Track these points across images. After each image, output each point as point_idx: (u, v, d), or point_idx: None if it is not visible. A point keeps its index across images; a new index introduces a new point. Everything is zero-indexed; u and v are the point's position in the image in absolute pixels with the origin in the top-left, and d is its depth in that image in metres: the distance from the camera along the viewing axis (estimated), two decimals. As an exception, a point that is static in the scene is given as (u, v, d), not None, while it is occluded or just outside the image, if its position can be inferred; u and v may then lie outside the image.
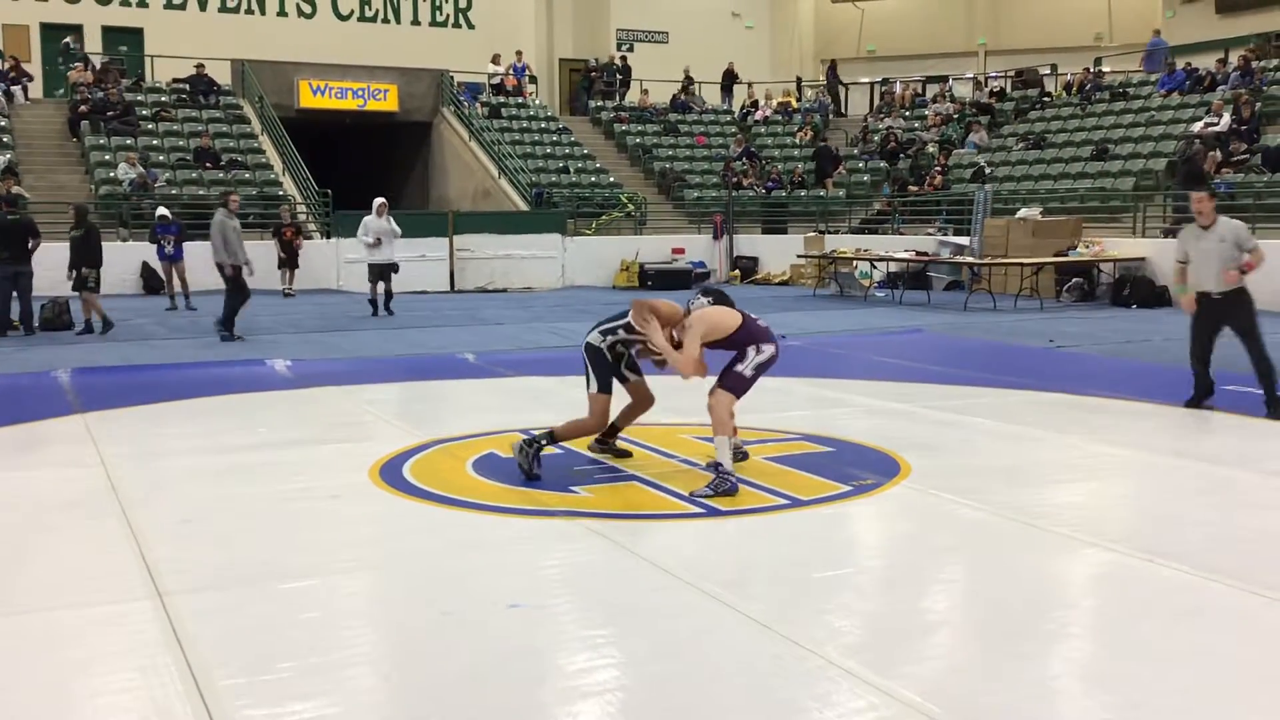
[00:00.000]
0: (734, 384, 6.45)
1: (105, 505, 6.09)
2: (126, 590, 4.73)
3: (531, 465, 6.57)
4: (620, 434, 7.19)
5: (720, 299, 6.78)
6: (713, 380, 6.58)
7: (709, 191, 26.65)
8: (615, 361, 6.87)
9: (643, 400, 7.07)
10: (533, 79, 31.21)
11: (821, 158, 27.18)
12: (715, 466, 6.39)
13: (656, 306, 6.65)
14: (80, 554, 5.31)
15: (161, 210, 18.26)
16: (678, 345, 6.53)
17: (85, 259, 14.37)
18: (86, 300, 14.21)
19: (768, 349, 6.49)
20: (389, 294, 16.78)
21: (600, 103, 30.63)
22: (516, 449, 6.69)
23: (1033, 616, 4.49)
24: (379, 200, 16.98)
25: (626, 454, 7.15)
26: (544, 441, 6.68)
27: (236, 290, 13.58)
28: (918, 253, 20.59)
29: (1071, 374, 10.93)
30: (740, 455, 6.81)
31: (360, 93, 27.47)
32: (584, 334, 6.97)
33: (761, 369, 6.49)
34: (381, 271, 16.68)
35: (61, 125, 24.06)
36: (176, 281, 17.53)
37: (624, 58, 32.63)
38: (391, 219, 16.94)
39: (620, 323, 6.72)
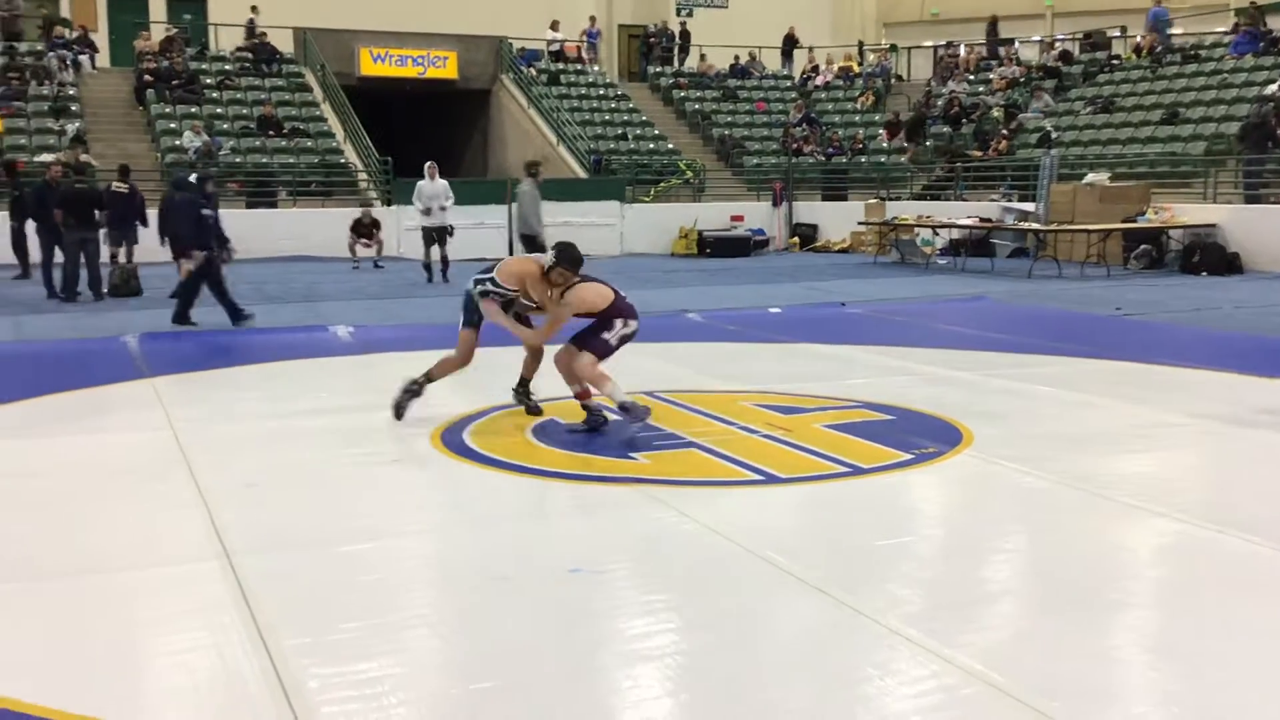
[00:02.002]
0: (598, 348, 6.92)
1: (174, 468, 6.21)
2: (195, 551, 4.82)
3: (403, 405, 7.14)
4: (529, 385, 7.52)
5: (571, 257, 6.90)
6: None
7: (768, 158, 26.43)
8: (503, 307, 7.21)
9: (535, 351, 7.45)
10: (592, 46, 31.10)
11: (912, 125, 26.50)
12: (621, 408, 6.80)
13: (523, 280, 6.99)
14: (150, 515, 5.42)
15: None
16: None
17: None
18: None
19: (633, 324, 7.00)
20: (445, 260, 16.65)
21: (659, 69, 30.45)
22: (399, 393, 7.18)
23: (1097, 586, 4.43)
24: (429, 164, 16.99)
25: (538, 411, 7.34)
26: (421, 381, 7.20)
27: None
28: (981, 219, 20.27)
29: (1139, 343, 10.73)
30: (600, 420, 7.05)
31: (420, 60, 27.53)
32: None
33: (624, 340, 6.99)
34: (433, 235, 16.63)
35: (128, 94, 24.39)
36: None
37: (683, 23, 32.37)
38: (446, 183, 16.93)
39: (489, 275, 7.09)
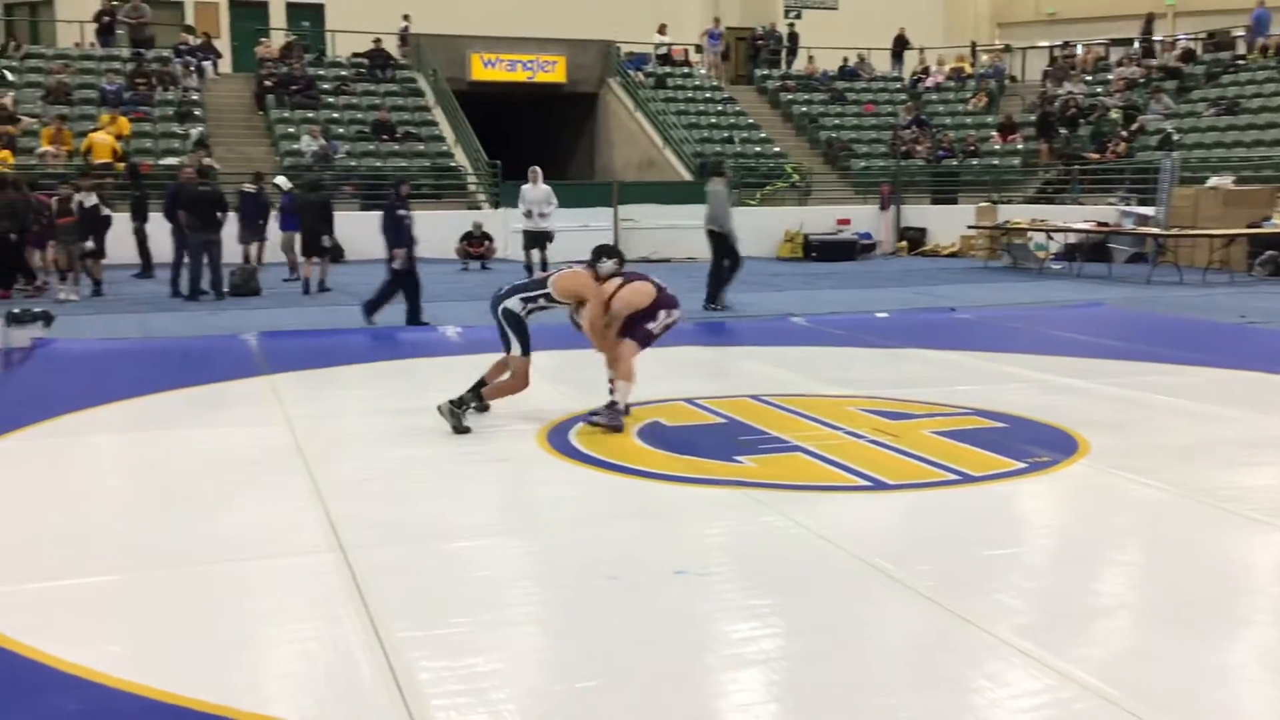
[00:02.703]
0: (642, 337, 7.26)
1: (291, 462, 6.38)
2: (311, 543, 4.96)
3: (459, 422, 7.00)
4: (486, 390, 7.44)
5: (620, 259, 7.46)
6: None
7: (876, 161, 26.12)
8: None
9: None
10: (699, 49, 31.15)
11: (1043, 125, 25.84)
12: (611, 405, 7.07)
13: (580, 292, 7.22)
14: (269, 507, 5.58)
15: (278, 179, 18.27)
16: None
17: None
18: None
19: (675, 313, 7.40)
20: (545, 264, 16.83)
21: (766, 71, 30.34)
22: (445, 412, 7.07)
23: (1219, 602, 4.29)
24: (532, 169, 17.20)
25: (486, 409, 7.39)
26: (472, 403, 7.14)
27: (724, 259, 13.80)
28: (1098, 223, 19.76)
29: (1264, 352, 10.36)
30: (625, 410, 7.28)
31: (529, 65, 27.86)
32: (500, 297, 7.28)
33: (666, 329, 7.38)
34: (533, 239, 16.85)
35: (249, 99, 25.14)
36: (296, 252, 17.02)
37: (791, 25, 32.19)
38: (549, 189, 17.07)
39: (540, 292, 7.22)
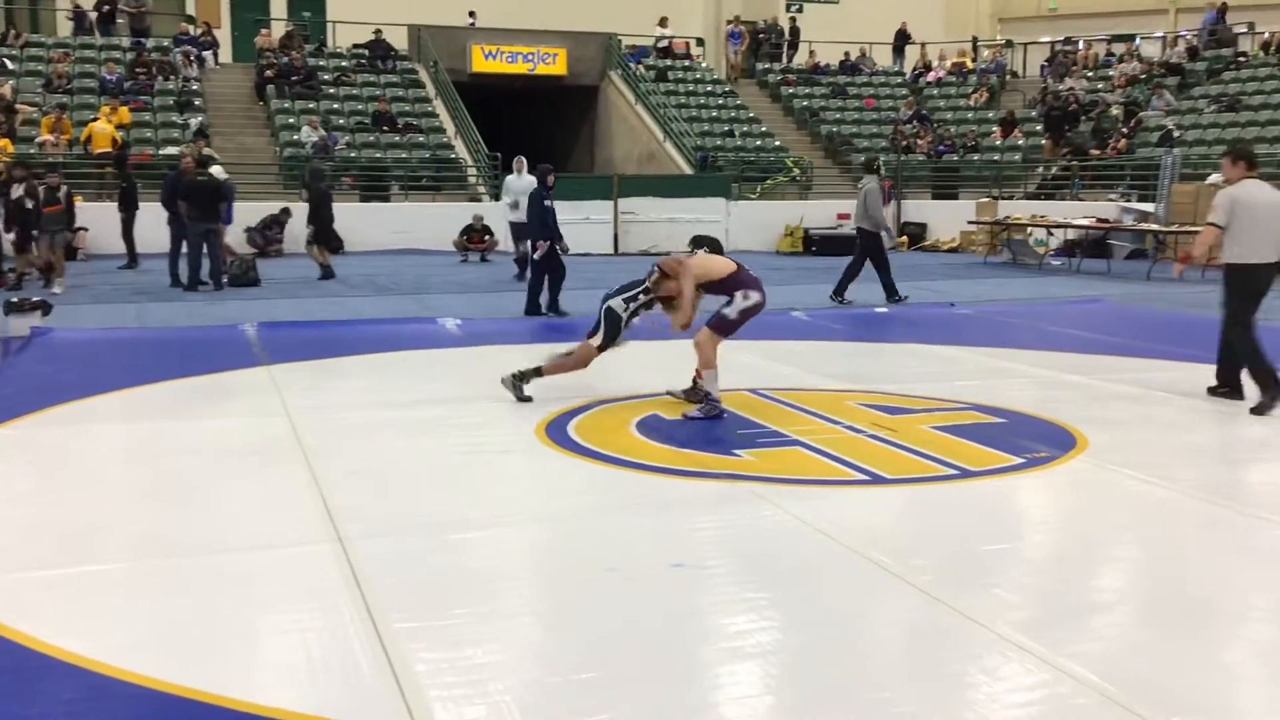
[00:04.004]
0: (719, 324, 7.26)
1: (289, 453, 6.37)
2: (309, 534, 4.95)
3: (519, 391, 7.47)
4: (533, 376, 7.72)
5: (714, 247, 7.70)
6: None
7: (877, 155, 26.08)
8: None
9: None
10: (700, 42, 31.11)
11: (1052, 123, 25.73)
12: (705, 395, 7.15)
13: (670, 265, 7.43)
14: (267, 498, 5.57)
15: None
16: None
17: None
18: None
19: (754, 296, 7.26)
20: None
21: (767, 65, 30.30)
22: (507, 383, 7.52)
23: (1217, 598, 4.29)
24: (517, 159, 17.11)
25: (529, 399, 7.59)
26: (531, 375, 7.52)
27: (874, 256, 13.76)
28: (1098, 219, 19.74)
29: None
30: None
31: (530, 57, 27.81)
32: (608, 295, 7.63)
33: (747, 314, 7.26)
34: (522, 231, 16.72)
35: (249, 89, 25.08)
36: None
37: (793, 19, 32.16)
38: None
39: (639, 289, 7.41)
